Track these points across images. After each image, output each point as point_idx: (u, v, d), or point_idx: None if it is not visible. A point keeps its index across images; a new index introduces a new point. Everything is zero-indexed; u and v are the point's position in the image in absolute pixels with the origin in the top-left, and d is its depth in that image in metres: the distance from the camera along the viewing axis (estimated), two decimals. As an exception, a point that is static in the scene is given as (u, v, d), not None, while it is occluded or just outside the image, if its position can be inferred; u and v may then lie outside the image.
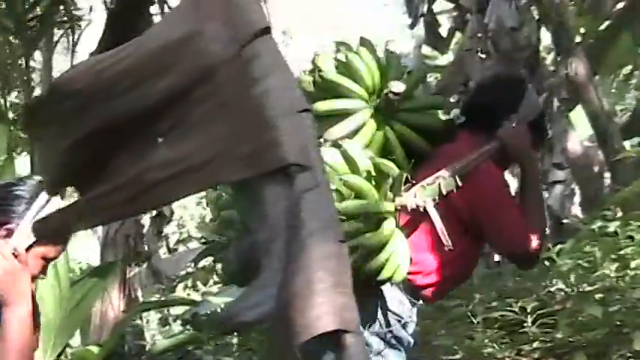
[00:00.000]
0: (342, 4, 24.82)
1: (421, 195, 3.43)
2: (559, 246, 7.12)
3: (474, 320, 6.91)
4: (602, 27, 12.95)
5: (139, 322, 11.00)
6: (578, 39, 11.45)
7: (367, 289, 3.40)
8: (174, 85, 2.17)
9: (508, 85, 4.21)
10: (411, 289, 3.62)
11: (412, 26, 11.48)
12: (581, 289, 6.52)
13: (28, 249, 3.04)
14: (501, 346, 6.62)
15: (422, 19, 11.28)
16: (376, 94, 3.76)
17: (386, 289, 3.56)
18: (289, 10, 23.04)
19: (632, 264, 6.32)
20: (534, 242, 3.73)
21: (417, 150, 3.76)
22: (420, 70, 4.16)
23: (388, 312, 3.60)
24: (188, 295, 14.42)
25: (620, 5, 12.75)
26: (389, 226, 3.40)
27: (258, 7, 2.08)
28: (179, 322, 12.52)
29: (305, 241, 1.88)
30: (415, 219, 3.49)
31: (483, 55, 10.46)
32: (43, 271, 3.24)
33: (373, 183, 3.45)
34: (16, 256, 3.00)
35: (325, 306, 1.83)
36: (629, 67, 15.00)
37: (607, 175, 11.01)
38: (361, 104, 3.75)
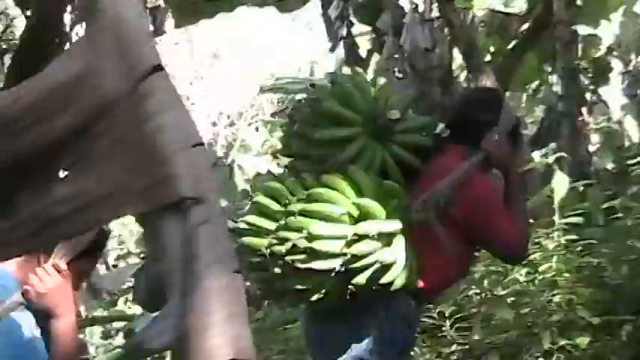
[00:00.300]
0: (271, 28, 24.76)
1: (424, 209, 3.60)
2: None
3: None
4: (510, 47, 13.07)
5: (81, 336, 10.83)
6: (487, 58, 11.54)
7: (380, 296, 3.62)
8: (74, 121, 2.08)
9: (488, 99, 4.34)
10: (415, 291, 3.72)
11: (332, 49, 11.52)
12: (495, 293, 6.52)
13: (68, 264, 3.18)
14: (422, 349, 6.60)
15: (342, 42, 11.31)
16: (371, 120, 3.83)
17: (396, 294, 3.67)
18: (219, 33, 22.99)
19: (540, 269, 6.35)
20: (524, 240, 3.96)
21: (410, 167, 3.87)
22: (407, 96, 4.35)
23: (397, 315, 3.72)
24: (129, 308, 14.25)
25: (525, 27, 12.89)
26: (399, 242, 3.58)
27: (151, 45, 1.99)
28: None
29: (200, 273, 1.81)
30: (419, 230, 3.62)
31: (400, 75, 10.51)
32: (81, 283, 3.51)
33: (380, 203, 3.58)
34: (59, 272, 3.14)
35: (220, 337, 1.77)
36: (537, 83, 15.17)
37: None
38: (360, 130, 3.81)
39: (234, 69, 24.45)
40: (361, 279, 3.52)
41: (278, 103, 24.93)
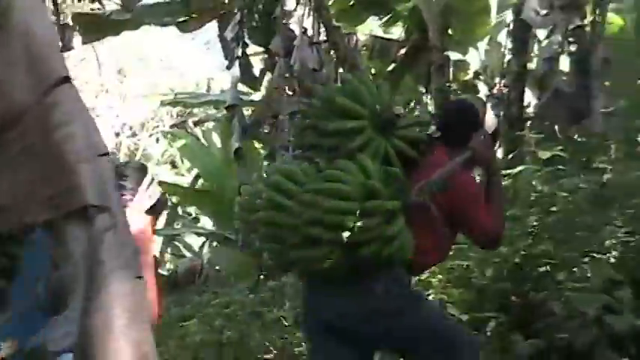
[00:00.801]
0: (172, 47, 24.50)
1: (420, 194, 3.74)
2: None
3: (285, 323, 6.85)
4: (389, 69, 13.18)
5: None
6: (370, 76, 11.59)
7: (383, 267, 3.72)
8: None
9: (472, 107, 4.41)
10: (409, 264, 3.83)
11: (229, 67, 11.38)
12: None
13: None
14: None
15: (237, 61, 11.20)
16: (376, 114, 3.93)
17: (395, 265, 3.77)
18: (124, 50, 22.64)
19: None
20: (499, 229, 4.00)
21: (408, 158, 3.93)
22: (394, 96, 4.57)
23: (398, 283, 3.84)
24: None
25: (403, 51, 13.03)
26: (399, 220, 3.68)
27: (59, 57, 1.88)
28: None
29: (105, 279, 1.72)
30: (415, 212, 3.75)
31: (290, 92, 10.48)
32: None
33: (384, 186, 3.69)
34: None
35: (124, 341, 1.67)
36: (413, 102, 15.37)
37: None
38: (366, 123, 3.89)
39: (137, 83, 24.15)
40: (366, 250, 3.62)
41: (177, 116, 24.71)
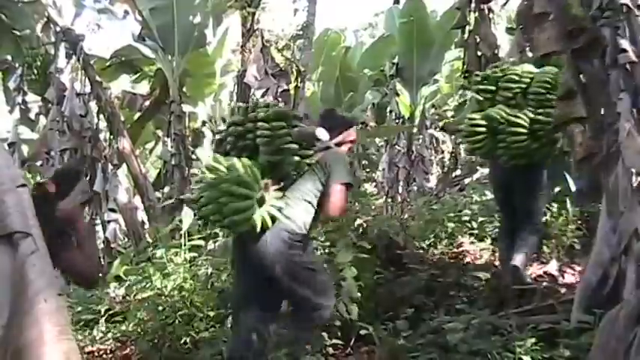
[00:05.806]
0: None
1: None
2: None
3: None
4: (136, 117, 12.87)
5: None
6: (122, 123, 11.16)
7: None
8: None
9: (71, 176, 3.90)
10: None
11: (11, 112, 10.79)
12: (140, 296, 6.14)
13: None
14: (85, 337, 6.11)
15: (18, 106, 10.67)
16: None
17: None
18: None
19: (172, 277, 6.01)
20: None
21: None
22: None
23: None
24: None
25: (147, 103, 12.78)
26: None
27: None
28: None
29: (35, 296, 1.48)
30: None
31: (61, 133, 10.08)
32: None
33: None
34: None
35: (55, 352, 1.45)
36: (153, 143, 15.14)
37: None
38: None
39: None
40: None
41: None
